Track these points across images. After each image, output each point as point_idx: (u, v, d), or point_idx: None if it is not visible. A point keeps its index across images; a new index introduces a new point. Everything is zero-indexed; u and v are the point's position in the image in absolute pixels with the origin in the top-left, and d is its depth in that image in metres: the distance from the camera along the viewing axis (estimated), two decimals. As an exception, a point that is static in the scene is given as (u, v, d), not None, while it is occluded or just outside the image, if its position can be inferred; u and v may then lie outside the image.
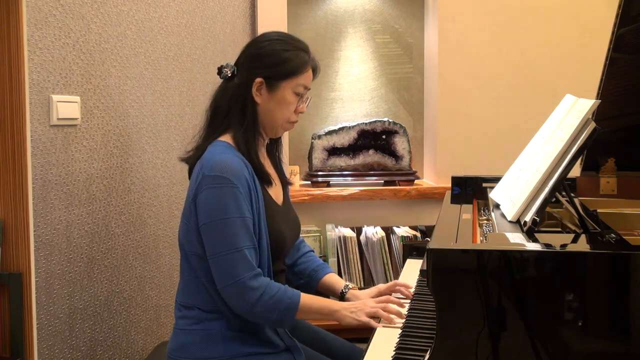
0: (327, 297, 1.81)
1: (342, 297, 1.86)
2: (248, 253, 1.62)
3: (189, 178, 1.78)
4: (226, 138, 1.74)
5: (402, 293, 1.83)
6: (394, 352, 1.44)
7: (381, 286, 1.83)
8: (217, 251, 1.62)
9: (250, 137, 1.73)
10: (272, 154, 1.89)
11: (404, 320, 1.63)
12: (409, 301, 1.77)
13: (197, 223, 1.66)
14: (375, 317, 1.66)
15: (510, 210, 1.65)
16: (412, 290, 1.85)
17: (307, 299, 1.66)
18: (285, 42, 1.76)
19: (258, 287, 1.61)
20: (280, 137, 1.89)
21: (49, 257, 1.92)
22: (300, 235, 1.99)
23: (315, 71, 1.80)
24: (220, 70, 1.78)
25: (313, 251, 2.01)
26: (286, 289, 1.65)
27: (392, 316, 1.65)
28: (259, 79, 1.73)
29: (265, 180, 1.76)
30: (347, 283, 1.89)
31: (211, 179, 1.63)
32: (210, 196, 1.63)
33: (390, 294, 1.80)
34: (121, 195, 2.24)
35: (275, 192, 1.82)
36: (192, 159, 1.78)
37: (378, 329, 1.62)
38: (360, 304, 1.70)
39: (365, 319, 1.65)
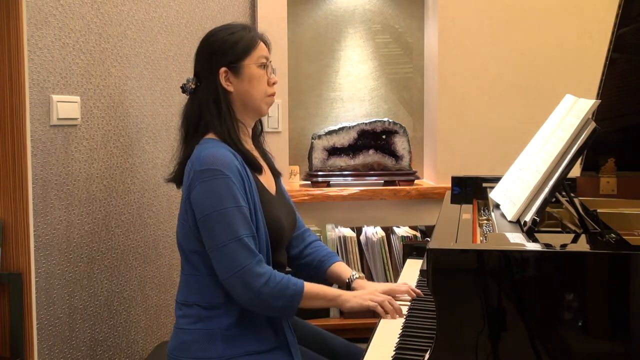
0: (332, 286, 1.80)
1: (348, 286, 1.86)
2: (248, 241, 1.62)
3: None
4: (210, 136, 1.76)
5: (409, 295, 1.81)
6: (394, 352, 1.44)
7: (393, 285, 1.81)
8: (217, 243, 1.62)
9: (231, 126, 1.75)
10: (258, 147, 1.90)
11: (404, 320, 1.63)
12: (409, 302, 1.77)
13: (194, 220, 1.67)
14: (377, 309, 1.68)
15: (510, 210, 1.65)
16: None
17: (311, 286, 1.67)
18: (226, 29, 1.81)
19: (263, 274, 1.61)
20: (262, 129, 1.92)
21: (49, 257, 1.92)
22: (306, 225, 1.99)
23: (266, 42, 1.84)
24: (183, 88, 1.82)
25: (319, 240, 1.99)
26: (289, 277, 1.66)
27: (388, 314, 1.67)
28: (222, 70, 1.76)
29: (256, 168, 1.77)
30: (354, 272, 1.88)
31: (202, 173, 1.64)
32: (204, 190, 1.64)
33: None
34: (121, 195, 2.24)
35: (268, 182, 1.83)
36: (177, 176, 1.80)
37: (378, 328, 1.62)
38: (366, 291, 1.72)
39: (370, 303, 1.67)
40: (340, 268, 1.90)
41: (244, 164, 1.72)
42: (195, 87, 1.80)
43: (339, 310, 3.23)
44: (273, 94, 1.83)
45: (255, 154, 1.84)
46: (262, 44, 1.81)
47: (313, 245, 1.95)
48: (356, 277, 1.86)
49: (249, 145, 1.82)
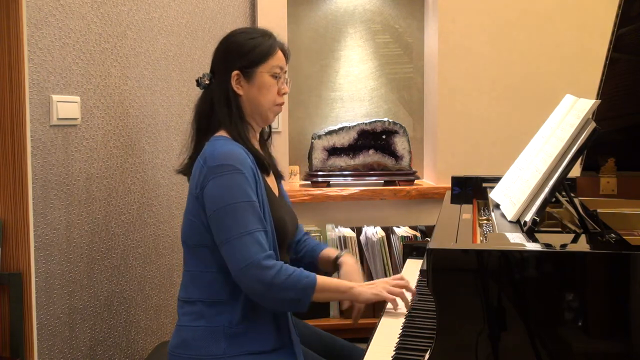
0: (326, 272, 1.89)
1: (335, 262, 1.91)
2: (259, 235, 1.64)
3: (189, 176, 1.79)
4: (221, 133, 1.78)
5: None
6: (394, 352, 1.44)
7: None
8: (228, 236, 1.63)
9: (241, 128, 1.78)
10: (264, 149, 1.92)
11: (404, 320, 1.63)
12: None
13: (206, 214, 1.67)
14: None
15: (510, 210, 1.65)
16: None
17: (323, 279, 1.68)
18: (248, 32, 1.83)
19: (273, 266, 1.62)
20: (270, 132, 1.95)
21: (49, 257, 1.92)
22: (305, 225, 2.03)
23: (285, 52, 1.85)
24: (198, 82, 1.85)
25: (308, 234, 2.07)
26: (302, 270, 1.67)
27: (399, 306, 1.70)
28: (235, 72, 1.78)
29: (265, 169, 1.80)
30: (340, 251, 1.95)
31: (216, 168, 1.66)
32: (217, 185, 1.65)
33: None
34: (121, 195, 2.24)
35: (272, 184, 1.86)
36: (187, 169, 1.82)
37: (378, 328, 1.62)
38: (379, 282, 1.74)
39: (387, 294, 1.69)
40: (329, 251, 1.97)
41: (255, 163, 1.74)
42: (209, 82, 1.83)
43: (339, 310, 3.23)
44: (281, 104, 1.85)
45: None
46: (279, 54, 1.83)
47: (304, 239, 2.02)
48: (343, 254, 1.93)
49: (256, 147, 1.85)
